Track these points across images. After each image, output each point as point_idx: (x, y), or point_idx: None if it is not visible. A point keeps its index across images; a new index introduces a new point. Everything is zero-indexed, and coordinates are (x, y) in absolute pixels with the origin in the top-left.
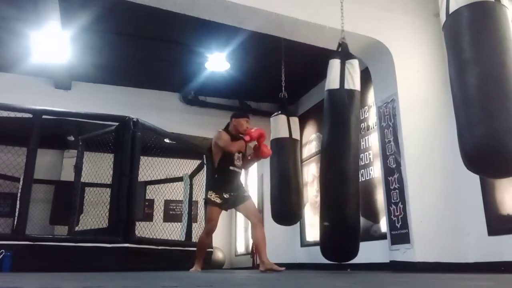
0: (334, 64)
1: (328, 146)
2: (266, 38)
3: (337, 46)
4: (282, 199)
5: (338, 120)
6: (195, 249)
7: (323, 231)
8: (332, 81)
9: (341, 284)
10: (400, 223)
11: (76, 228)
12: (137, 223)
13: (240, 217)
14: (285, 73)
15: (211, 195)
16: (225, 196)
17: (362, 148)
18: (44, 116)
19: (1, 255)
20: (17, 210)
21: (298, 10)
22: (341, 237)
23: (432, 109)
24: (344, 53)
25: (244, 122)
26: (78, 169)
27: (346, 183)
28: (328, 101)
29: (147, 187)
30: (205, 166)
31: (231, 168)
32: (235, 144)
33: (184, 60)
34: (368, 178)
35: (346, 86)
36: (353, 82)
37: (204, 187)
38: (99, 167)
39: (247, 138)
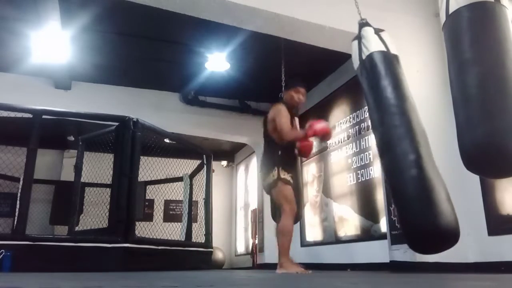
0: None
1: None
2: (266, 38)
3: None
4: None
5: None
6: (195, 249)
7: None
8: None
9: (341, 284)
10: (399, 222)
11: (76, 228)
12: (137, 223)
13: (240, 217)
14: (285, 73)
15: (284, 174)
16: (292, 176)
17: (362, 148)
18: (44, 116)
19: (1, 255)
20: (17, 210)
21: (298, 10)
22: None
23: (432, 109)
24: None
25: (300, 91)
26: (78, 169)
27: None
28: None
29: (147, 187)
30: (205, 166)
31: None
32: (293, 133)
33: (184, 60)
34: (368, 178)
35: (363, 56)
36: (368, 48)
37: (262, 165)
38: (99, 167)
39: (310, 132)
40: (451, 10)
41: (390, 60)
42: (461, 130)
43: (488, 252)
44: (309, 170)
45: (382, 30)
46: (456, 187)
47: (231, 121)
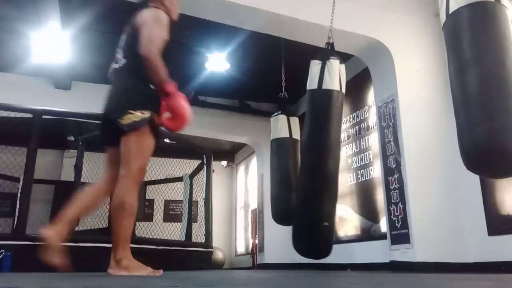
0: (314, 64)
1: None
2: (266, 38)
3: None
4: (282, 199)
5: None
6: (195, 249)
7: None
8: (311, 81)
9: (341, 284)
10: (400, 223)
11: (76, 228)
12: (137, 223)
13: (240, 217)
14: (285, 73)
15: (146, 114)
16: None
17: (362, 148)
18: (44, 116)
19: (1, 255)
20: (17, 210)
21: (298, 10)
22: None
23: (432, 109)
24: (325, 53)
25: (176, 1)
26: (78, 169)
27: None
28: (308, 101)
29: (147, 187)
30: (205, 166)
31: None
32: (161, 65)
33: (184, 60)
34: (368, 178)
35: (324, 86)
36: (332, 82)
37: (116, 94)
38: (99, 167)
39: (170, 88)
40: (451, 10)
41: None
42: (461, 130)
43: (488, 252)
44: None
45: (342, 63)
46: (456, 187)
47: (231, 121)
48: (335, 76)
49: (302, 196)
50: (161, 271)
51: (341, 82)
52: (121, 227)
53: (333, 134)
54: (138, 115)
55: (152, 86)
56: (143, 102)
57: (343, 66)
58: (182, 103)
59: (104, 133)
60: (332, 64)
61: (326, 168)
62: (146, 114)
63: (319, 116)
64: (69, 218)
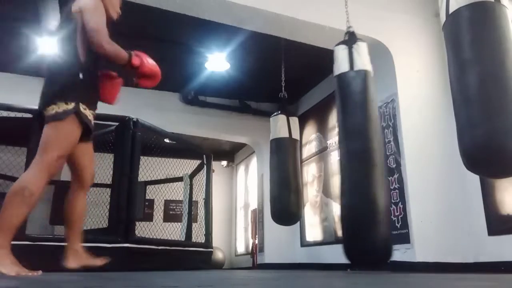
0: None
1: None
2: (266, 38)
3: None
4: (282, 199)
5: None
6: (195, 249)
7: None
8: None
9: (341, 284)
10: (400, 223)
11: None
12: (137, 223)
13: (240, 217)
14: (285, 73)
15: (85, 108)
16: (91, 114)
17: None
18: None
19: None
20: None
21: (298, 10)
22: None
23: (432, 109)
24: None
25: (117, 2)
26: None
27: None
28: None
29: (147, 187)
30: (205, 166)
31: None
32: (113, 45)
33: (184, 60)
34: None
35: (356, 68)
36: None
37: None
38: (99, 167)
39: (136, 61)
40: (451, 10)
41: (354, 79)
42: (461, 130)
43: (488, 252)
44: (309, 170)
45: (357, 42)
46: (456, 187)
47: (231, 121)
48: (365, 57)
49: (354, 186)
50: (37, 273)
51: (353, 62)
52: (10, 213)
53: (373, 116)
54: (62, 106)
55: (80, 75)
56: (67, 93)
57: (356, 47)
58: (150, 64)
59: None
60: (359, 47)
61: (372, 153)
62: (70, 105)
63: (355, 98)
64: (73, 240)
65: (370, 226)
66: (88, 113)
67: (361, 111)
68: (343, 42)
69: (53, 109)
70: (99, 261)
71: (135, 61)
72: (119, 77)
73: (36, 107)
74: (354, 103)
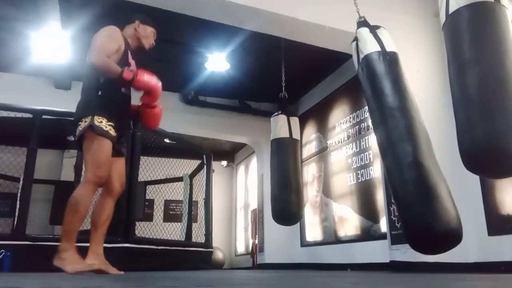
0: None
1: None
2: (266, 38)
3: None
4: (282, 199)
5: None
6: (195, 249)
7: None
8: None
9: (341, 284)
10: (400, 223)
11: None
12: (137, 223)
13: (240, 217)
14: (285, 73)
15: (101, 122)
16: (115, 126)
17: (362, 148)
18: (44, 116)
19: (1, 255)
20: (17, 210)
21: (298, 10)
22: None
23: (432, 109)
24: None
25: (152, 34)
26: (78, 169)
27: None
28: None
29: (147, 187)
30: (205, 166)
31: (123, 90)
32: (108, 62)
33: (184, 60)
34: (368, 178)
35: (360, 58)
36: (362, 50)
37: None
38: None
39: (127, 75)
40: (451, 10)
41: (386, 59)
42: (461, 130)
43: (488, 252)
44: (309, 170)
45: (378, 27)
46: (456, 187)
47: (231, 121)
48: (368, 41)
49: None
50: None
51: (383, 43)
52: (66, 220)
53: (411, 94)
54: (82, 124)
55: (99, 92)
56: (85, 110)
57: (382, 30)
58: (145, 79)
59: None
60: (382, 31)
61: (418, 131)
62: (87, 120)
63: (394, 77)
64: (97, 242)
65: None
66: (105, 125)
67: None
68: (366, 26)
69: (78, 130)
70: (114, 271)
71: (127, 75)
72: (159, 107)
73: (36, 107)
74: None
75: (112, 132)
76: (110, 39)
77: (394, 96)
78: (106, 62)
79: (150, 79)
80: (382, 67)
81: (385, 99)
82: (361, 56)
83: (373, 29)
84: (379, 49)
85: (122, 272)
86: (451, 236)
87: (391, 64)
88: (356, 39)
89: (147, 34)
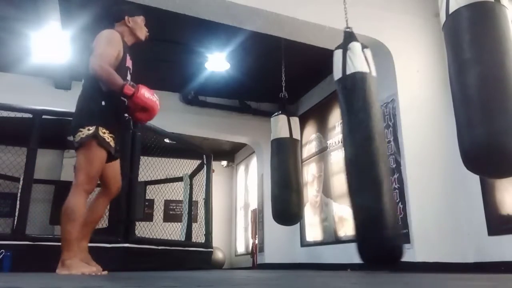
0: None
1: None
2: (266, 38)
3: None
4: (282, 199)
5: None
6: (195, 249)
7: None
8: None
9: (341, 284)
10: (400, 223)
11: None
12: (137, 223)
13: (240, 217)
14: (285, 73)
15: (104, 132)
16: (115, 137)
17: None
18: (44, 116)
19: (1, 255)
20: (17, 210)
21: (298, 10)
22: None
23: (432, 109)
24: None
25: (143, 23)
26: None
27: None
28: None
29: (147, 187)
30: (205, 166)
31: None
32: (110, 73)
33: (184, 60)
34: None
35: (348, 71)
36: (353, 65)
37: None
38: None
39: (128, 90)
40: (451, 10)
41: (370, 83)
42: (461, 130)
43: (488, 252)
44: (309, 170)
45: (366, 47)
46: (456, 187)
47: (231, 121)
48: (358, 58)
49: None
50: (106, 272)
51: (369, 65)
52: (64, 230)
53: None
54: (85, 131)
55: (103, 102)
56: (89, 119)
57: (369, 50)
58: (144, 97)
59: None
60: (354, 47)
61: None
62: (92, 129)
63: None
64: (83, 236)
65: (381, 224)
66: (107, 137)
67: (364, 112)
68: (338, 46)
69: (79, 136)
70: (96, 269)
71: (127, 90)
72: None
73: (36, 107)
74: (356, 104)
75: (112, 143)
76: (111, 45)
77: (364, 120)
78: (108, 73)
79: (150, 97)
80: (365, 89)
81: (357, 121)
82: (350, 70)
83: (363, 48)
84: (367, 70)
85: (105, 274)
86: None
87: (372, 89)
88: (344, 48)
89: (140, 25)
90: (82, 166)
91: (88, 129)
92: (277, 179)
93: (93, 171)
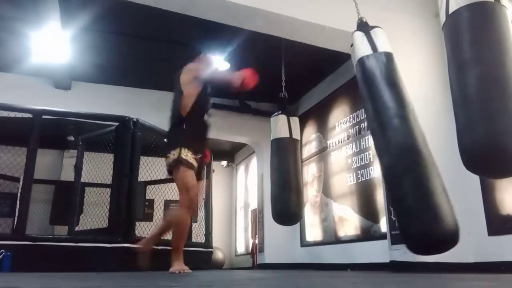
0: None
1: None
2: (266, 38)
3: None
4: (282, 199)
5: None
6: (195, 249)
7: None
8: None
9: (341, 284)
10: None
11: (76, 228)
12: (137, 223)
13: (240, 217)
14: (285, 73)
15: (186, 155)
16: (198, 158)
17: (362, 148)
18: (44, 116)
19: (1, 255)
20: (17, 210)
21: (298, 10)
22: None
23: (432, 109)
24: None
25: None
26: (78, 169)
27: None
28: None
29: (147, 187)
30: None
31: (206, 119)
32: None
33: (184, 60)
34: (368, 178)
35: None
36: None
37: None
38: (99, 167)
39: (236, 81)
40: (451, 10)
41: (379, 61)
42: (461, 130)
43: (488, 252)
44: (309, 170)
45: (373, 28)
46: (456, 187)
47: (231, 121)
48: (360, 45)
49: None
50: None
51: (376, 45)
52: (174, 239)
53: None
54: (171, 156)
55: (184, 126)
56: (173, 144)
57: (376, 31)
58: (247, 75)
59: None
60: (377, 32)
61: (416, 134)
62: (176, 154)
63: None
64: (156, 236)
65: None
66: (190, 157)
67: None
68: (359, 27)
69: (170, 158)
70: (187, 268)
71: (235, 78)
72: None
73: (36, 107)
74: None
75: (195, 163)
76: (197, 84)
77: (390, 100)
78: (218, 74)
79: (250, 73)
80: (374, 69)
81: (380, 102)
82: (356, 60)
83: (367, 31)
84: (370, 52)
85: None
86: (448, 240)
87: (384, 65)
88: (352, 43)
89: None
90: (179, 185)
91: (173, 154)
92: (277, 179)
93: (188, 186)
